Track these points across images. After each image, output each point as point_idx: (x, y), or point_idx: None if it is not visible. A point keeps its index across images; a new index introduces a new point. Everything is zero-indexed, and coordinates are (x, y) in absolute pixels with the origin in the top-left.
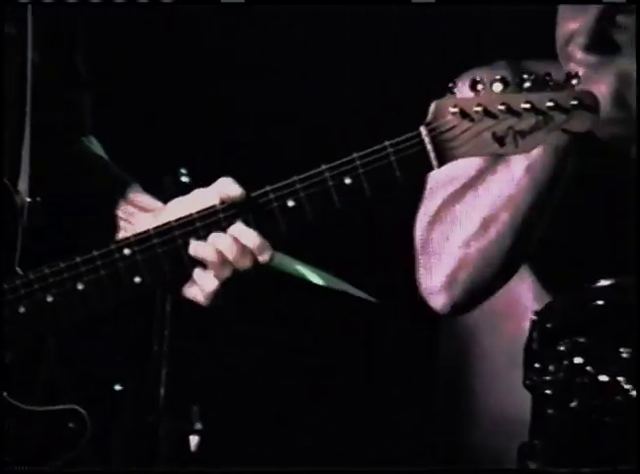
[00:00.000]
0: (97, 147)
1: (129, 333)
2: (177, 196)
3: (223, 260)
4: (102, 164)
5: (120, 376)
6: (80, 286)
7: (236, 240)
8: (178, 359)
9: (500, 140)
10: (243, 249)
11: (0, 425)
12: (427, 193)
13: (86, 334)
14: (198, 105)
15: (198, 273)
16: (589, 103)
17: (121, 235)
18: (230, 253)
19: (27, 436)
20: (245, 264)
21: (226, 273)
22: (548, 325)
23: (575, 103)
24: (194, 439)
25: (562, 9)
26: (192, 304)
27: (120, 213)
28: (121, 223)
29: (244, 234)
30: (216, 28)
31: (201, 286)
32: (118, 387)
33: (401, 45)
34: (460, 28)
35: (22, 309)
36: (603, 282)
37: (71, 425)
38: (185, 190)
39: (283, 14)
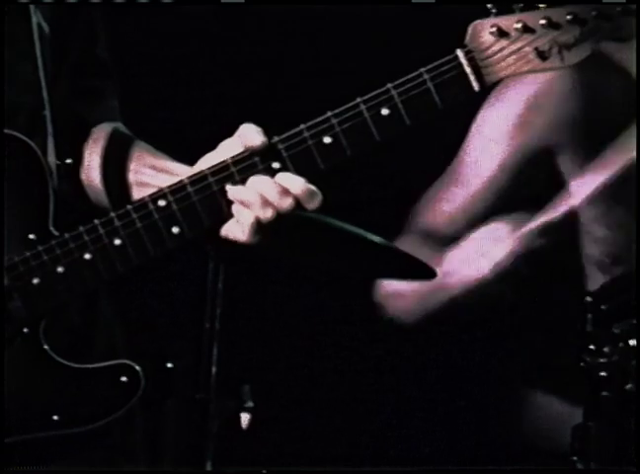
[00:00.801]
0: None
1: (182, 311)
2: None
3: (264, 201)
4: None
5: (173, 354)
6: (117, 241)
7: (277, 184)
8: (229, 338)
9: (542, 55)
10: (285, 192)
11: (0, 425)
12: None
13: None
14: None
15: (237, 207)
16: (631, 8)
17: (138, 196)
18: (271, 195)
19: (80, 396)
20: (287, 207)
21: (268, 213)
22: (603, 307)
23: (619, 9)
24: (245, 417)
25: None
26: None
27: (142, 177)
28: (141, 186)
29: (290, 180)
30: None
31: (241, 221)
32: (169, 365)
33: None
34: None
35: (59, 269)
36: None
37: (124, 379)
38: None
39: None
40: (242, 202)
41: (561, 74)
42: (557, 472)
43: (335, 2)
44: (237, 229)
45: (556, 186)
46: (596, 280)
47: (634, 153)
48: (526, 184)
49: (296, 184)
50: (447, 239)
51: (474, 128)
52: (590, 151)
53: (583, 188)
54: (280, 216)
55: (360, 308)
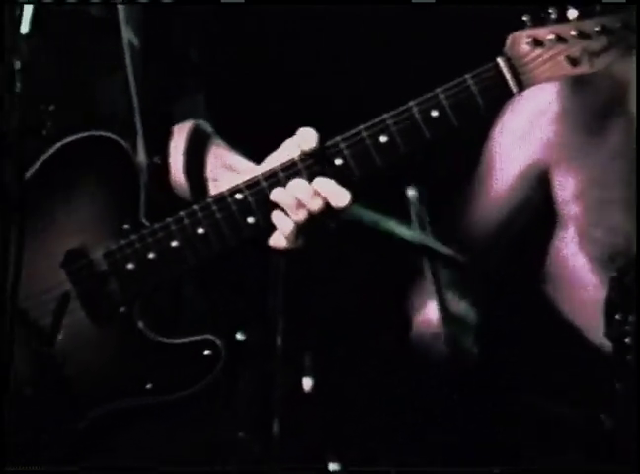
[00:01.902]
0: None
1: (249, 288)
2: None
3: (298, 203)
4: (207, 133)
5: (242, 326)
6: (201, 231)
7: (311, 186)
8: (292, 311)
9: (574, 62)
10: (315, 194)
11: (0, 424)
12: None
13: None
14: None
15: (276, 215)
16: None
17: (214, 191)
18: (304, 197)
19: (169, 367)
20: (317, 207)
21: (301, 215)
22: (627, 280)
23: None
24: (307, 382)
25: None
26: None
27: (217, 174)
28: (215, 181)
29: (320, 182)
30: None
31: (281, 228)
32: (240, 337)
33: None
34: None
35: (150, 255)
36: None
37: (207, 352)
38: None
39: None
40: (281, 204)
41: (558, 96)
42: (557, 472)
43: (336, 2)
44: (280, 238)
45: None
46: (600, 274)
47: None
48: (528, 197)
49: (326, 185)
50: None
51: (493, 136)
52: (581, 168)
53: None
54: (315, 219)
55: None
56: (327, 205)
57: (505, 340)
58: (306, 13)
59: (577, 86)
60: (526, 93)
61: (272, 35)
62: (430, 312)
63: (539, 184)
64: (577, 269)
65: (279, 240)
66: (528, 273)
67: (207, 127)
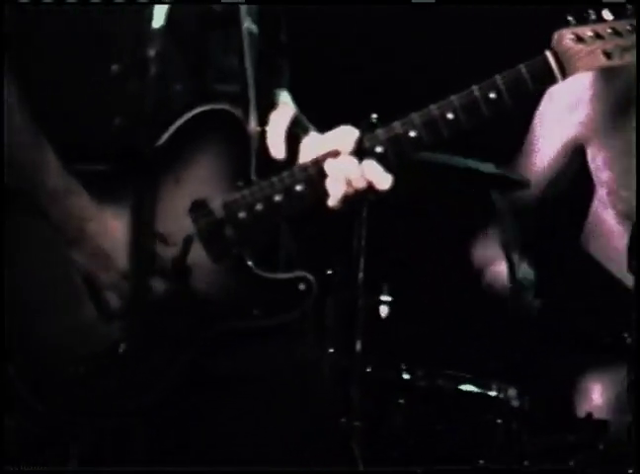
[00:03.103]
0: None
1: (337, 231)
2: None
3: (346, 179)
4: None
5: (331, 264)
6: (299, 187)
7: (360, 167)
8: (373, 251)
9: (608, 55)
10: (362, 175)
11: (0, 425)
12: None
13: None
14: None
15: (329, 182)
16: None
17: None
18: (352, 175)
19: (272, 298)
20: (361, 186)
21: (347, 188)
22: None
23: None
24: (384, 309)
25: None
26: None
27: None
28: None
29: (368, 165)
30: None
31: (332, 194)
32: (329, 272)
33: None
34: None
35: (258, 207)
36: None
37: (301, 287)
38: (373, 129)
39: None
40: (332, 176)
41: (591, 84)
42: (557, 472)
43: (337, 2)
44: (332, 201)
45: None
46: (625, 224)
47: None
48: (563, 172)
49: (372, 169)
50: None
51: (536, 116)
52: (610, 142)
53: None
54: (358, 193)
55: None
56: (370, 185)
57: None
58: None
59: (608, 75)
60: (565, 82)
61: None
62: (498, 268)
63: (576, 155)
64: (608, 221)
65: (332, 203)
66: (572, 227)
67: (305, 121)
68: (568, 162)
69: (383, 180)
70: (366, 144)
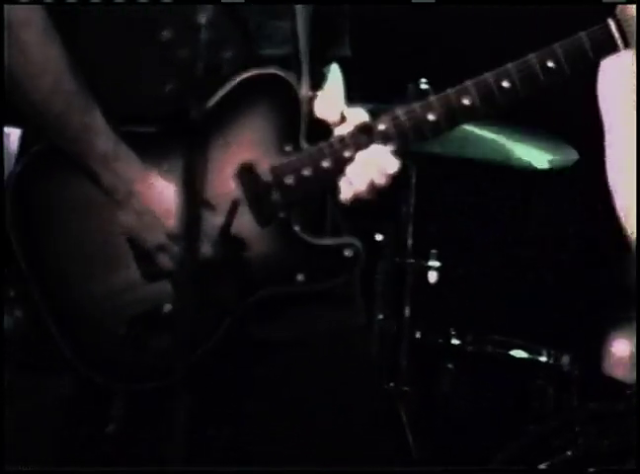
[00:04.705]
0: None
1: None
2: (418, 100)
3: (362, 166)
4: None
5: (380, 230)
6: (347, 154)
7: (369, 155)
8: (421, 218)
9: None
10: (370, 162)
11: (0, 424)
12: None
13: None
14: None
15: (349, 170)
16: None
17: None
18: (362, 161)
19: (317, 264)
20: (372, 173)
21: (364, 178)
22: None
23: None
24: (432, 275)
25: None
26: None
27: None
28: None
29: (373, 151)
30: None
31: (351, 181)
32: (379, 237)
33: None
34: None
35: (306, 172)
36: None
37: (347, 253)
38: (424, 96)
39: None
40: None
41: None
42: (557, 473)
43: (338, 2)
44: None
45: None
46: None
47: None
48: None
49: (378, 153)
50: None
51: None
52: None
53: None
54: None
55: None
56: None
57: None
58: None
59: None
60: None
61: None
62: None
63: None
64: None
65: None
66: None
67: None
68: None
69: (391, 164)
70: (418, 111)
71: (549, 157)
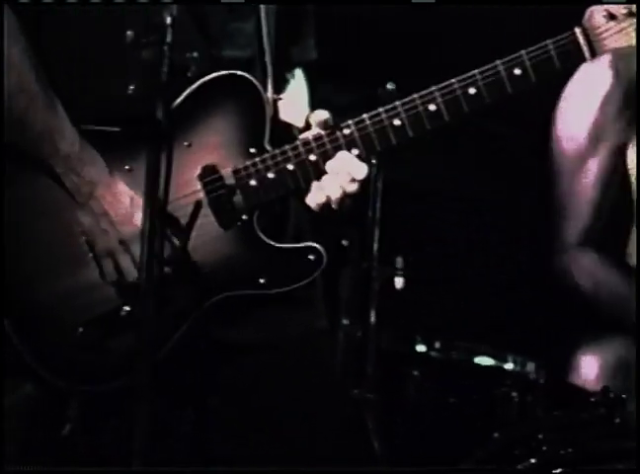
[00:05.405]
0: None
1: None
2: (389, 103)
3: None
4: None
5: (346, 235)
6: (312, 157)
7: (338, 162)
8: (387, 223)
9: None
10: (341, 170)
11: (0, 424)
12: None
13: None
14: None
15: (325, 179)
16: None
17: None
18: (333, 169)
19: (279, 267)
20: (343, 180)
21: (335, 184)
22: None
23: None
24: (398, 281)
25: None
26: None
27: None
28: None
29: (342, 158)
30: None
31: (322, 187)
32: (344, 242)
33: None
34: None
35: (270, 175)
36: None
37: (311, 257)
38: (392, 97)
39: None
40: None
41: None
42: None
43: (337, 2)
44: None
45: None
46: None
47: None
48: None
49: (345, 160)
50: None
51: (561, 105)
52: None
53: None
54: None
55: None
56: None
57: None
58: None
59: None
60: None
61: None
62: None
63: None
64: None
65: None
66: None
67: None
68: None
69: (359, 170)
70: (383, 116)
71: None
